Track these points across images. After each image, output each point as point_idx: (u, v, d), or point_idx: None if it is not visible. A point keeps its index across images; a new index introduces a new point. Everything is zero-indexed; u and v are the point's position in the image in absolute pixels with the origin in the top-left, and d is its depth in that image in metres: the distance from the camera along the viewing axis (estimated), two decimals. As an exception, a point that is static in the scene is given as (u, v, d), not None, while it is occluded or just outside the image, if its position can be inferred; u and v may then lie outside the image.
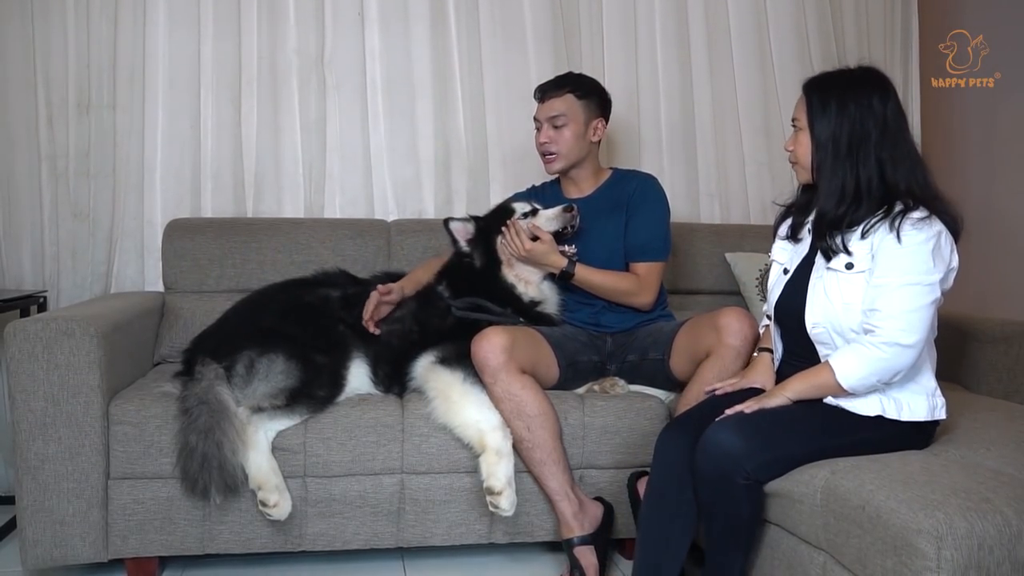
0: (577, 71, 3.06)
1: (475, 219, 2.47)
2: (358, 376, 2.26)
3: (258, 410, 2.08)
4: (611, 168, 2.62)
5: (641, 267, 2.44)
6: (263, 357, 2.14)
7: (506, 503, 2.06)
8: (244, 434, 2.04)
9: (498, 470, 2.07)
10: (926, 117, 3.36)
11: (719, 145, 3.23)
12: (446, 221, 2.46)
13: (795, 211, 1.95)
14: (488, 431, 2.10)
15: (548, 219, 2.40)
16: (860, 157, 1.74)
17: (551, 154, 2.48)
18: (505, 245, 2.37)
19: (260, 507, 2.04)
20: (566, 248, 2.37)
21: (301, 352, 2.17)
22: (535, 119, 2.51)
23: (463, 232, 2.44)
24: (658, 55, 3.19)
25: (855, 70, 1.82)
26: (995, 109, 3.14)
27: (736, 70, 3.24)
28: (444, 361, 2.20)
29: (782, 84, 3.24)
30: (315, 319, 2.28)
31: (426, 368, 2.22)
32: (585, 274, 2.37)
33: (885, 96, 1.77)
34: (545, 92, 2.49)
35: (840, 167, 1.76)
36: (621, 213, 2.48)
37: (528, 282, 2.41)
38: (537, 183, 2.72)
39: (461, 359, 2.17)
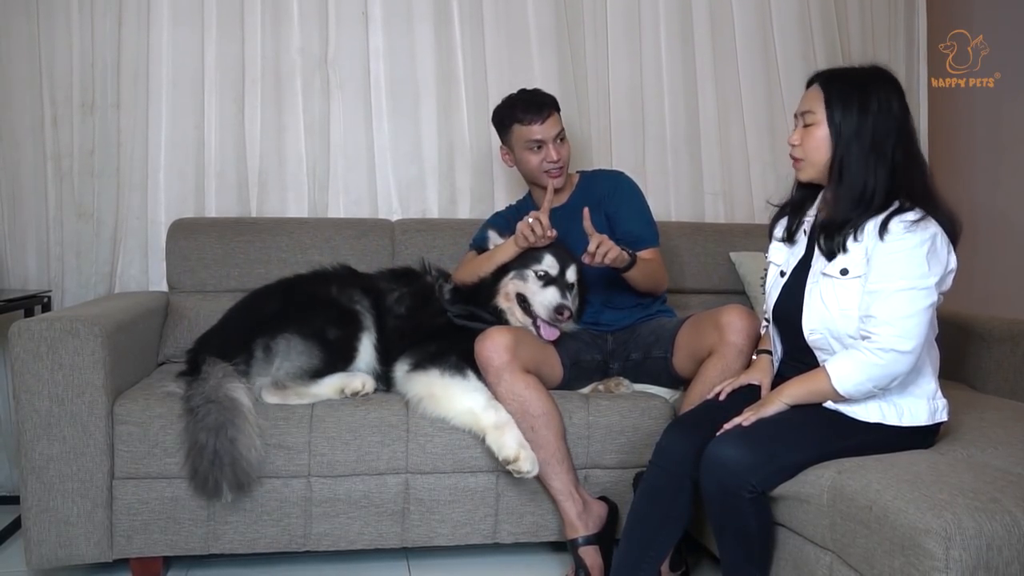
0: (581, 71, 3.09)
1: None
2: (367, 348, 2.28)
3: (283, 387, 2.14)
4: (577, 172, 2.64)
5: (645, 254, 2.45)
6: (279, 338, 2.17)
7: (527, 465, 2.06)
8: (257, 429, 2.05)
9: (505, 440, 2.07)
10: (929, 117, 3.36)
11: (723, 144, 3.23)
12: (487, 225, 2.44)
13: (790, 211, 1.93)
14: (480, 412, 2.10)
15: (544, 308, 2.26)
16: (881, 156, 1.71)
17: (560, 168, 2.48)
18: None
19: (349, 395, 2.19)
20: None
21: (312, 329, 2.19)
22: (535, 140, 2.44)
23: (494, 244, 2.40)
24: (662, 54, 3.18)
25: (868, 67, 1.79)
26: (999, 109, 3.13)
27: (740, 69, 3.24)
28: (417, 366, 2.20)
29: (786, 83, 3.23)
30: (320, 300, 2.29)
31: (402, 379, 2.23)
32: (636, 274, 2.34)
33: (901, 96, 1.75)
34: (544, 109, 2.45)
35: (863, 165, 1.71)
36: (599, 213, 2.48)
37: (518, 320, 2.34)
38: (512, 201, 2.72)
39: (434, 359, 2.18)
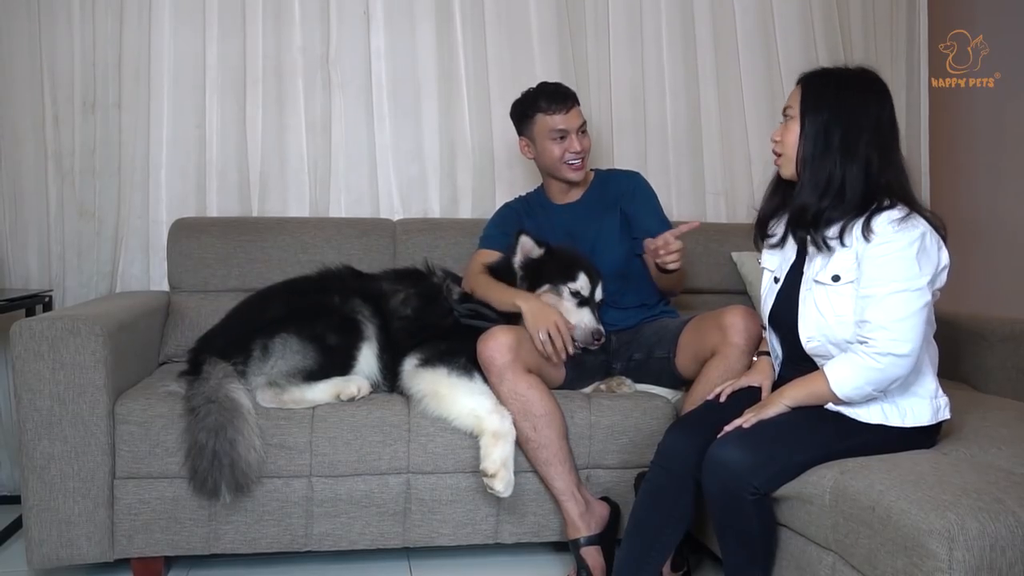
0: (583, 70, 3.08)
1: (547, 250, 2.37)
2: (368, 358, 2.26)
3: (278, 387, 2.13)
4: (592, 169, 2.64)
5: None
6: (276, 338, 2.17)
7: (500, 485, 2.05)
8: (257, 430, 2.05)
9: (493, 452, 2.06)
10: (929, 117, 3.36)
11: (725, 144, 3.23)
12: (521, 231, 2.38)
13: (769, 215, 1.93)
14: (485, 415, 2.10)
15: (581, 330, 2.28)
16: (850, 153, 1.72)
17: (581, 160, 2.50)
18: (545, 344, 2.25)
19: (345, 400, 2.17)
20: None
21: (312, 333, 2.19)
22: (559, 130, 2.46)
23: (526, 251, 2.36)
24: (664, 54, 3.18)
25: (854, 69, 1.80)
26: (999, 109, 3.13)
27: (742, 68, 3.24)
28: (426, 362, 2.20)
29: (788, 83, 3.23)
30: (322, 307, 2.28)
31: (409, 374, 2.22)
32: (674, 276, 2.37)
33: (881, 100, 1.75)
34: (568, 100, 2.48)
35: (828, 159, 1.73)
36: (615, 212, 2.50)
37: None
38: (531, 184, 2.72)
39: (443, 357, 2.18)
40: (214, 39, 2.91)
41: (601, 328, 2.28)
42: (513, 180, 3.05)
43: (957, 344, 2.53)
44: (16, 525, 2.43)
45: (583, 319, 2.28)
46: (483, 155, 3.04)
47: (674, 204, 3.19)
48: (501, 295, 2.30)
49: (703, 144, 3.21)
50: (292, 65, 2.95)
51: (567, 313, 2.27)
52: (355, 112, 2.99)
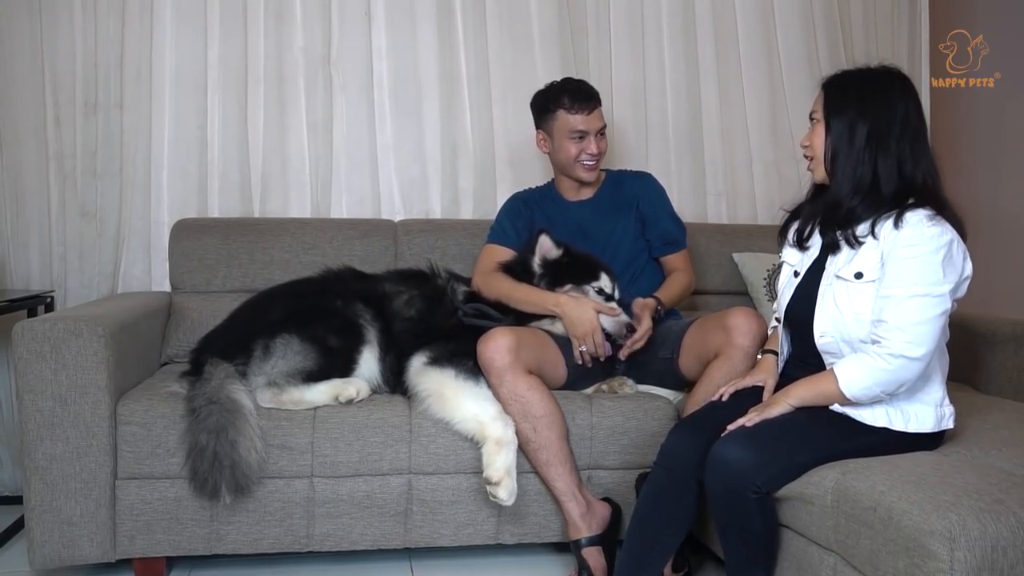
0: (584, 70, 3.09)
1: (565, 250, 2.38)
2: (369, 361, 2.26)
3: (277, 387, 2.13)
4: (603, 170, 2.64)
5: (678, 258, 2.53)
6: (277, 339, 2.17)
7: (504, 493, 2.05)
8: (259, 431, 2.05)
9: (496, 460, 2.06)
10: (930, 117, 3.36)
11: (726, 144, 3.23)
12: (542, 231, 2.39)
13: (802, 216, 1.93)
14: (488, 422, 2.09)
15: (614, 321, 2.30)
16: (879, 149, 1.72)
17: (596, 162, 2.50)
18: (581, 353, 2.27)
19: (343, 402, 2.17)
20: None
21: (313, 334, 2.19)
22: (578, 131, 2.45)
23: (544, 251, 2.37)
24: (665, 54, 3.19)
25: (876, 68, 1.80)
26: (999, 109, 3.14)
27: (743, 69, 3.24)
28: (435, 361, 2.19)
29: (789, 83, 3.23)
30: (324, 310, 2.28)
31: (416, 371, 2.21)
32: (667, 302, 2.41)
33: (906, 95, 1.75)
34: (591, 100, 2.48)
35: (857, 157, 1.73)
36: (630, 213, 2.51)
37: (561, 330, 2.34)
38: (533, 185, 2.73)
39: (452, 358, 2.17)
40: (215, 40, 2.91)
41: (631, 321, 2.29)
42: (515, 180, 3.04)
43: (958, 345, 2.50)
44: (18, 525, 2.43)
45: (608, 318, 2.29)
46: (484, 156, 3.05)
47: (675, 205, 3.17)
48: (531, 296, 2.32)
49: (704, 145, 3.21)
50: (293, 66, 2.95)
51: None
52: (356, 113, 2.99)
